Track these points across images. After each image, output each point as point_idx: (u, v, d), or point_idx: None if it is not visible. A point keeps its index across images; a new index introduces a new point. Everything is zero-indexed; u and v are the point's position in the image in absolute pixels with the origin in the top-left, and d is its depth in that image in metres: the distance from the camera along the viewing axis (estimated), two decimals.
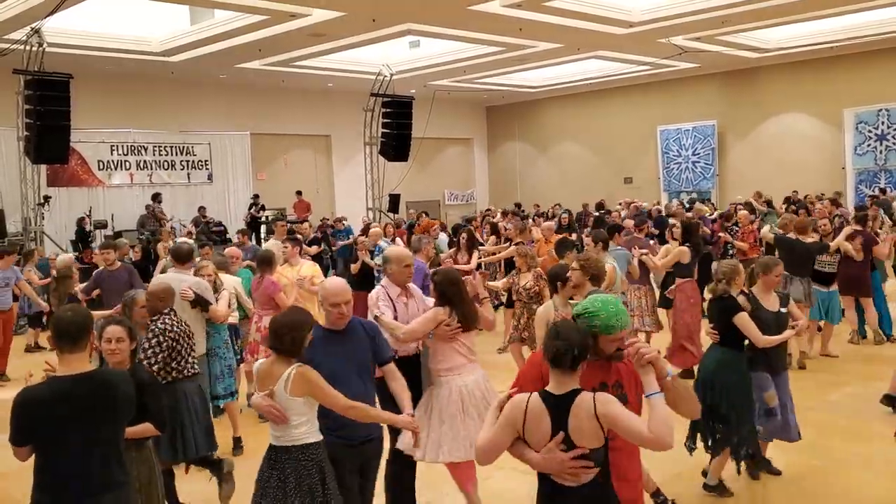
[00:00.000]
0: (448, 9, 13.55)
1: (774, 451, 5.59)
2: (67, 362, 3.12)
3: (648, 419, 2.80)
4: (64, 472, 3.09)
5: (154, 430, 3.79)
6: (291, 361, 3.57)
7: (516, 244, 9.20)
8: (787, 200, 17.64)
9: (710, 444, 5.13)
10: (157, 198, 18.36)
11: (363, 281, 10.33)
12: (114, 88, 18.35)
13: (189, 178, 20.50)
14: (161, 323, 4.95)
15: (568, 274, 5.50)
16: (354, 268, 10.68)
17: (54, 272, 7.25)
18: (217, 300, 6.41)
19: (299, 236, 10.84)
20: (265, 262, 7.37)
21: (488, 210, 20.50)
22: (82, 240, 16.32)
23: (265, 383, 3.59)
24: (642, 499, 3.34)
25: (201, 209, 19.00)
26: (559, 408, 2.84)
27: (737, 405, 5.06)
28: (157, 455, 4.16)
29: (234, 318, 7.09)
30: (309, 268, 8.06)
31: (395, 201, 20.60)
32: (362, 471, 4.10)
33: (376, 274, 10.24)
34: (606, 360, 3.04)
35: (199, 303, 6.10)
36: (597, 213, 17.26)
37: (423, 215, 16.67)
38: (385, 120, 18.59)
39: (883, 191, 18.48)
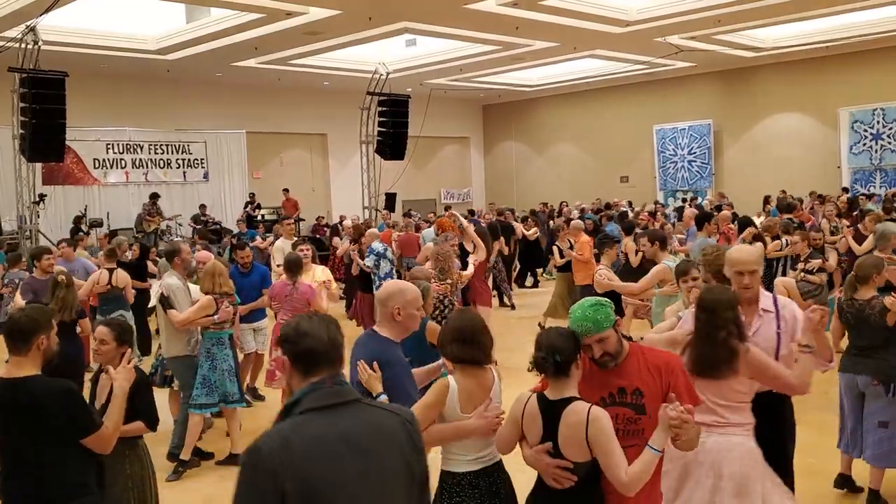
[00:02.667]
0: (444, 7, 13.55)
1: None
2: (10, 364, 3.10)
3: (632, 464, 2.75)
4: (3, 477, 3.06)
5: (145, 428, 3.79)
6: (488, 368, 3.24)
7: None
8: (766, 201, 17.76)
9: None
10: (153, 198, 18.19)
11: (367, 283, 10.34)
12: (109, 87, 18.30)
13: (185, 176, 20.46)
14: None
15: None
16: (354, 268, 10.72)
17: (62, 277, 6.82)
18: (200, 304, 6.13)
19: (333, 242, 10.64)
20: (295, 267, 7.02)
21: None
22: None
23: (472, 401, 3.13)
24: None
25: (202, 207, 18.96)
26: (550, 413, 2.85)
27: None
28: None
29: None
30: (322, 272, 7.72)
31: (391, 200, 20.57)
32: None
33: (373, 277, 10.22)
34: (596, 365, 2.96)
35: (162, 304, 6.15)
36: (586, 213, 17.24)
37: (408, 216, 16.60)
38: (381, 118, 18.56)
39: (846, 189, 18.50)
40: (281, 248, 10.06)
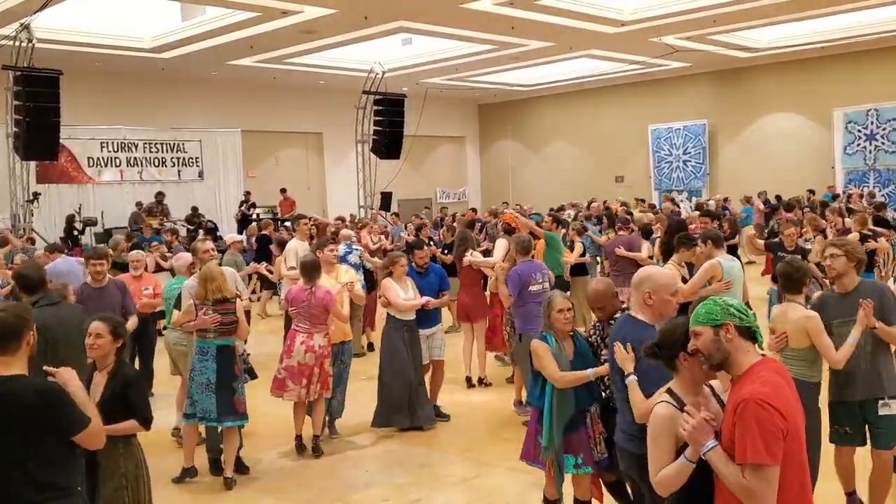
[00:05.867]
0: (440, 6, 13.55)
1: None
2: None
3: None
4: None
5: (139, 426, 3.78)
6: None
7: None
8: (748, 201, 17.89)
9: None
10: (158, 197, 18.06)
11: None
12: (104, 85, 18.23)
13: (180, 175, 20.40)
14: None
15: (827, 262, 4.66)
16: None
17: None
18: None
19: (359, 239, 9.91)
20: (313, 270, 6.33)
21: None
22: (71, 237, 16.22)
23: None
24: None
25: (194, 209, 18.91)
26: None
27: None
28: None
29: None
30: (346, 272, 7.06)
31: (386, 199, 20.58)
32: None
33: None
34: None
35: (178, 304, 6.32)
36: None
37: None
38: (377, 118, 18.55)
39: (812, 191, 18.25)
40: (294, 248, 9.10)
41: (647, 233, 10.39)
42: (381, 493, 5.58)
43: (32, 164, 15.05)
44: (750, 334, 2.71)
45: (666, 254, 8.10)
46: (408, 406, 6.74)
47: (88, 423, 3.06)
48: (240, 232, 19.22)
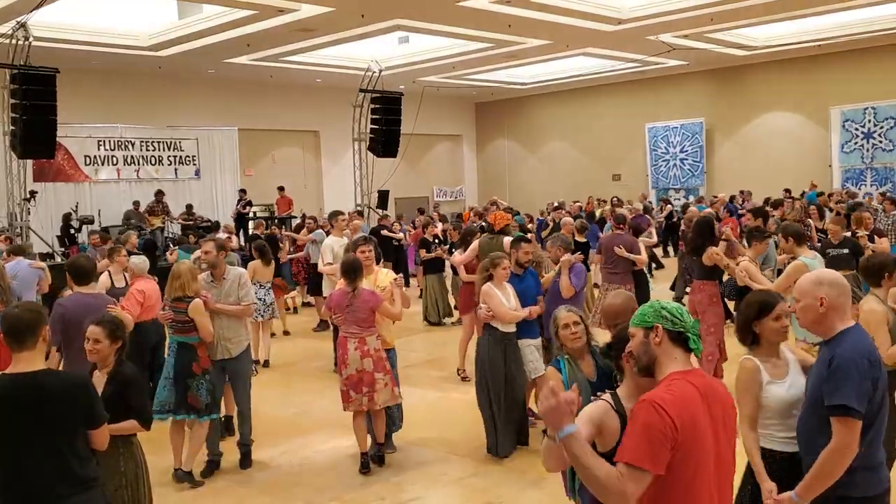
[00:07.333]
0: (437, 4, 13.55)
1: None
2: (16, 361, 3.09)
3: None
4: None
5: (139, 426, 3.78)
6: None
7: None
8: (732, 200, 17.97)
9: None
10: (158, 195, 18.07)
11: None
12: (101, 83, 18.22)
13: (176, 173, 20.39)
14: None
15: None
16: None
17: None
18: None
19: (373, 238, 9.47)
20: (354, 271, 5.85)
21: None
22: (68, 235, 16.21)
23: None
24: None
25: (188, 207, 18.89)
26: None
27: None
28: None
29: None
30: (386, 276, 6.36)
31: (383, 198, 20.57)
32: None
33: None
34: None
35: None
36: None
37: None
38: (374, 116, 18.52)
39: (788, 190, 18.39)
40: (330, 246, 8.65)
41: (636, 232, 10.43)
42: (377, 492, 5.58)
43: (29, 162, 15.02)
44: (682, 339, 2.56)
45: (695, 250, 7.94)
46: (493, 425, 6.15)
47: (107, 418, 3.25)
48: (238, 230, 19.25)
